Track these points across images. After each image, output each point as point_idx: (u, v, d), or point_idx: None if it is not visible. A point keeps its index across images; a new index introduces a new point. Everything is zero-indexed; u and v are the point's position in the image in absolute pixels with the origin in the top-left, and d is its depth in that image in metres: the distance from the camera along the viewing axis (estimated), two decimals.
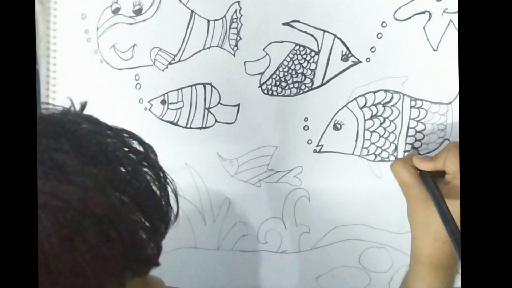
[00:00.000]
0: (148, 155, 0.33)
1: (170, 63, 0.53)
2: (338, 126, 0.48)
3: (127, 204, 0.29)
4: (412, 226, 0.44)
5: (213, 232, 0.55)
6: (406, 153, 0.47)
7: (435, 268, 0.42)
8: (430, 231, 0.41)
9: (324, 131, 0.49)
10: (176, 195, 0.34)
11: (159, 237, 0.32)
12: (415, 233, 0.44)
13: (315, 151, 0.50)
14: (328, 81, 0.48)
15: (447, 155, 0.42)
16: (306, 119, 0.49)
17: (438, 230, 0.41)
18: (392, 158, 0.47)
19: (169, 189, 0.33)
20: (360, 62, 0.47)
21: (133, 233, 0.29)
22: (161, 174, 0.33)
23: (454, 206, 0.40)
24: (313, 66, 0.48)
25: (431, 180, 0.43)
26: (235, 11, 0.50)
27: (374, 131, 0.48)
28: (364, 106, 0.47)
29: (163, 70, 0.53)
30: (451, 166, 0.41)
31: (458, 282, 0.47)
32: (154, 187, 0.32)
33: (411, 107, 0.46)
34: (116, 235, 0.28)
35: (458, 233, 0.38)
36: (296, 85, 0.49)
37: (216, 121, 0.52)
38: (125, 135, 0.33)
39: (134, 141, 0.33)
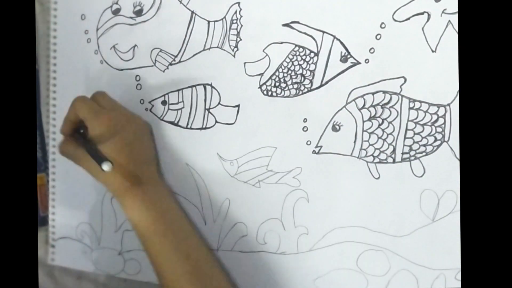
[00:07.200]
0: None
1: (170, 64, 0.53)
2: (337, 127, 0.48)
3: None
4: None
5: (213, 232, 0.55)
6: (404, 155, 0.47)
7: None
8: None
9: (323, 132, 0.49)
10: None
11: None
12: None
13: (314, 152, 0.49)
14: (327, 82, 0.48)
15: (72, 109, 0.50)
16: (305, 120, 0.49)
17: None
18: (390, 160, 0.47)
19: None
20: (359, 63, 0.47)
21: None
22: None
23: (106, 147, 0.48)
24: (312, 67, 0.48)
25: (79, 136, 0.50)
26: (235, 12, 0.50)
27: (372, 132, 0.47)
28: (363, 107, 0.47)
29: (163, 71, 0.53)
30: (80, 112, 0.49)
31: (458, 282, 0.47)
32: None
33: (409, 108, 0.46)
34: None
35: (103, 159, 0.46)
36: (295, 86, 0.49)
37: (216, 121, 0.52)
38: None
39: None
